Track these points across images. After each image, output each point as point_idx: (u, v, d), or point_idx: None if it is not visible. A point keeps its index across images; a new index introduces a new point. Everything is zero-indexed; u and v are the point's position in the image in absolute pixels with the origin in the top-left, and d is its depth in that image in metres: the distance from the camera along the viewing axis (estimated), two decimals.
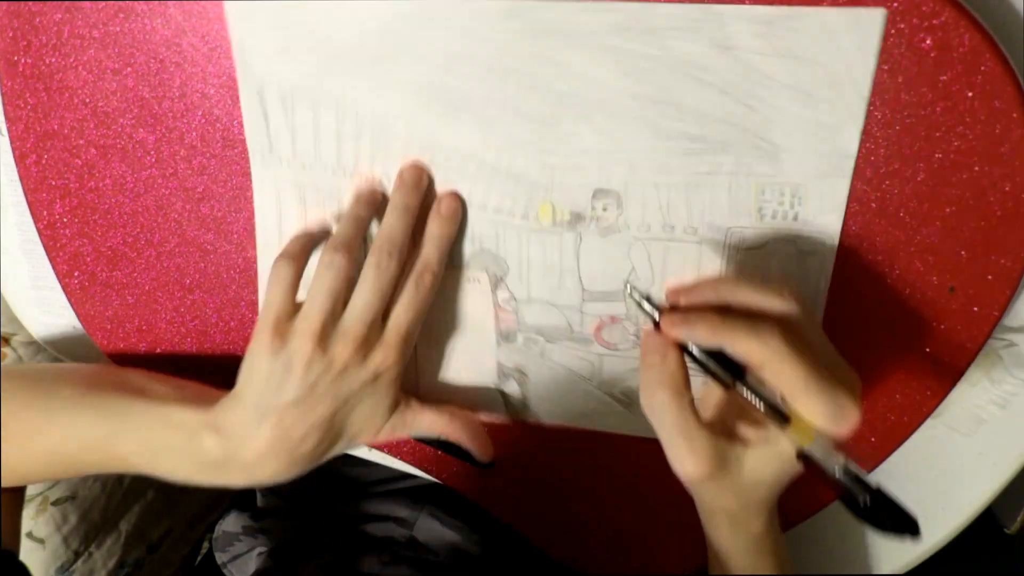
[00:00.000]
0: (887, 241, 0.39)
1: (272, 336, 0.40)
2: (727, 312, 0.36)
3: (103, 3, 0.41)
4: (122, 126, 0.44)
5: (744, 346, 0.34)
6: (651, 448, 0.43)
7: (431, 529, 0.60)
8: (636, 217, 0.41)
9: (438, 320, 0.46)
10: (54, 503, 0.77)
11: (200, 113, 0.43)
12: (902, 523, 0.29)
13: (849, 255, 0.40)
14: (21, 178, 0.46)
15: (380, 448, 0.51)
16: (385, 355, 0.41)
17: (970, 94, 0.35)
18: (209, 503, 1.00)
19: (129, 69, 0.42)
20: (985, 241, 0.38)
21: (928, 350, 0.41)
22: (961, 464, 0.47)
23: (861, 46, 0.35)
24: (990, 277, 0.39)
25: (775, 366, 0.33)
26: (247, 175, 0.44)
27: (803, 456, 0.34)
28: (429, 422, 0.45)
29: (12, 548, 0.47)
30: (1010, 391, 0.44)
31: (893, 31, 0.34)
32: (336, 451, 0.44)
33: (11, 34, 0.43)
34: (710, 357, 0.36)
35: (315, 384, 0.40)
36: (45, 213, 0.47)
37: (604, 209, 0.41)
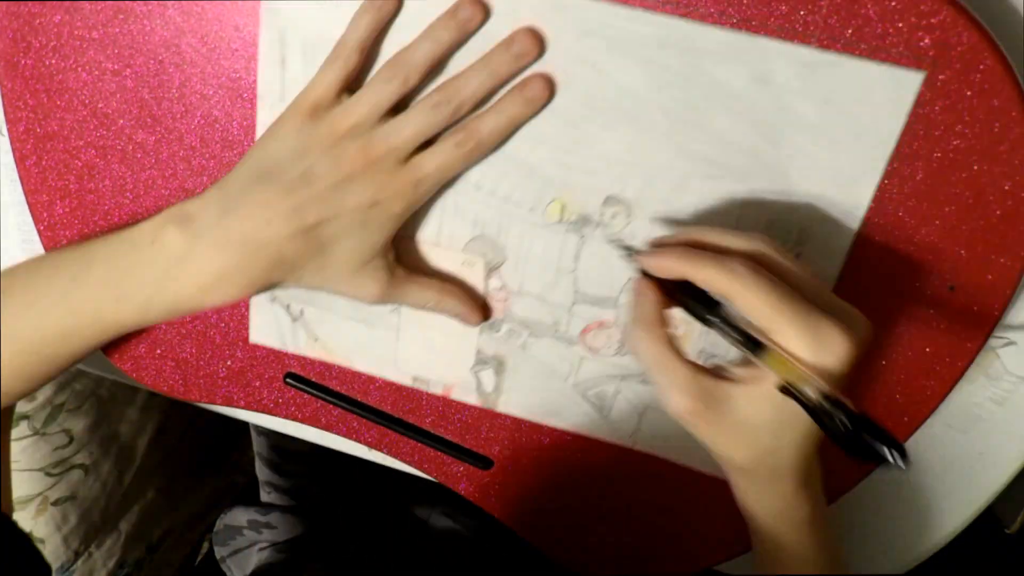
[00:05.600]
0: (886, 242, 0.39)
1: (306, 113, 0.38)
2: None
3: (102, 4, 0.41)
4: (121, 127, 0.44)
5: (709, 274, 0.33)
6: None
7: (443, 529, 0.60)
8: (643, 230, 0.41)
9: None
10: (54, 503, 0.77)
11: (199, 114, 0.43)
12: (887, 448, 0.28)
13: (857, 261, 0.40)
14: (21, 179, 0.46)
15: (379, 448, 0.51)
16: (392, 185, 0.38)
17: (969, 93, 0.35)
18: (209, 503, 1.00)
19: (128, 70, 0.42)
20: (985, 240, 0.38)
21: (928, 350, 0.41)
22: (961, 464, 0.47)
23: (895, 103, 0.36)
24: (990, 276, 0.39)
25: (744, 294, 0.32)
26: None
27: (786, 390, 0.32)
28: (418, 290, 0.42)
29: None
30: (1008, 389, 0.44)
31: (892, 31, 0.34)
32: (309, 276, 0.40)
33: (11, 35, 0.43)
34: (684, 293, 0.35)
35: (314, 177, 0.37)
36: (45, 214, 0.47)
37: (613, 216, 0.41)
